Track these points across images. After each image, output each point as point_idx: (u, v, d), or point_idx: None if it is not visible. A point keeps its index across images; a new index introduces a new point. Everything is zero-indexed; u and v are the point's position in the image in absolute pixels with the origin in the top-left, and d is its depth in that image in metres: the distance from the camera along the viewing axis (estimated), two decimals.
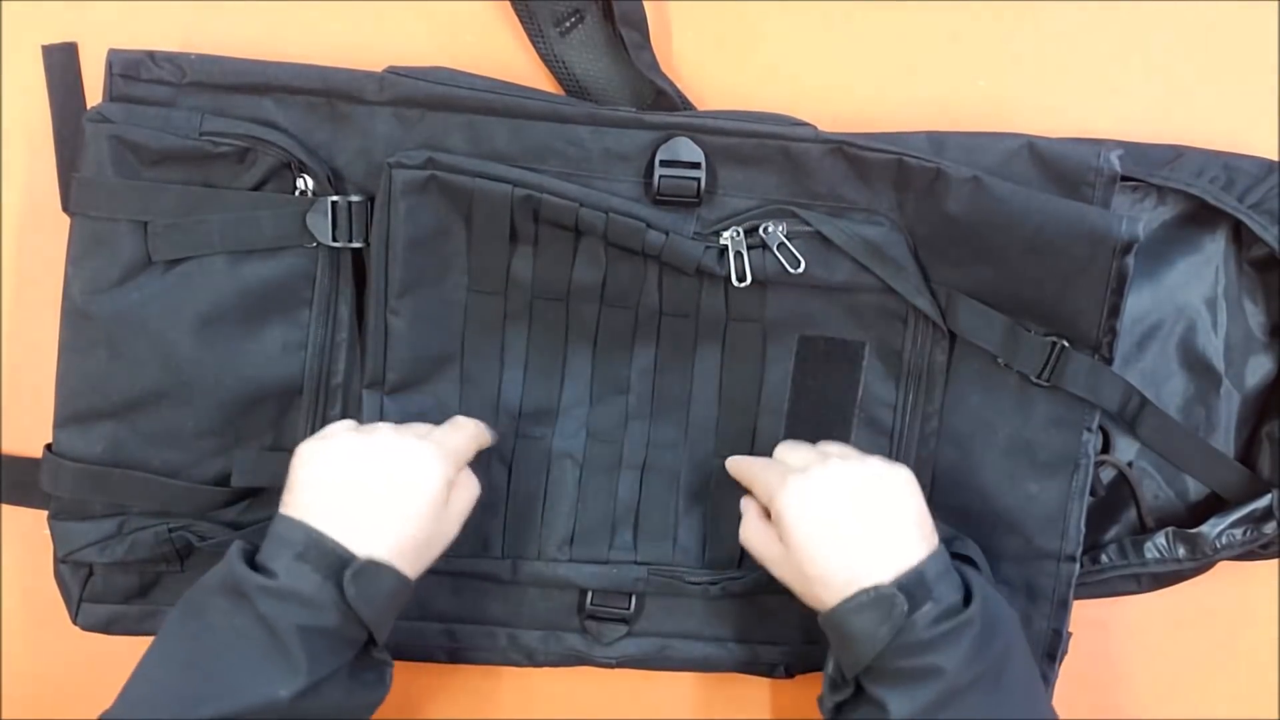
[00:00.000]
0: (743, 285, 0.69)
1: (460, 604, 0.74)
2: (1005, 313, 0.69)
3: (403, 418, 0.70)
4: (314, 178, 0.68)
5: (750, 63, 0.74)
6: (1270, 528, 0.72)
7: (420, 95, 0.68)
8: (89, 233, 0.67)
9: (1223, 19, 0.74)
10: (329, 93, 0.68)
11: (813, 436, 0.72)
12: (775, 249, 0.69)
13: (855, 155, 0.68)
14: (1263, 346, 0.75)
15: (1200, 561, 0.74)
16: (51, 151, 0.72)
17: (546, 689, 0.78)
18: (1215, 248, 0.74)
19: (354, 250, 0.70)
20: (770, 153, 0.68)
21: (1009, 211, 0.66)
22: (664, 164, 0.68)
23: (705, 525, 0.73)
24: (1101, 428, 0.71)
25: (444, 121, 0.68)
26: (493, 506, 0.73)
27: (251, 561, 0.60)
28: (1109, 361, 0.69)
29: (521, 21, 0.72)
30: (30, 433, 0.74)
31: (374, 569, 0.59)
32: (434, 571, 0.72)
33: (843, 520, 0.62)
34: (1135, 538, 0.75)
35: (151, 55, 0.68)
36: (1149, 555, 0.74)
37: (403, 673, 0.76)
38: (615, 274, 0.70)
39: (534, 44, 0.72)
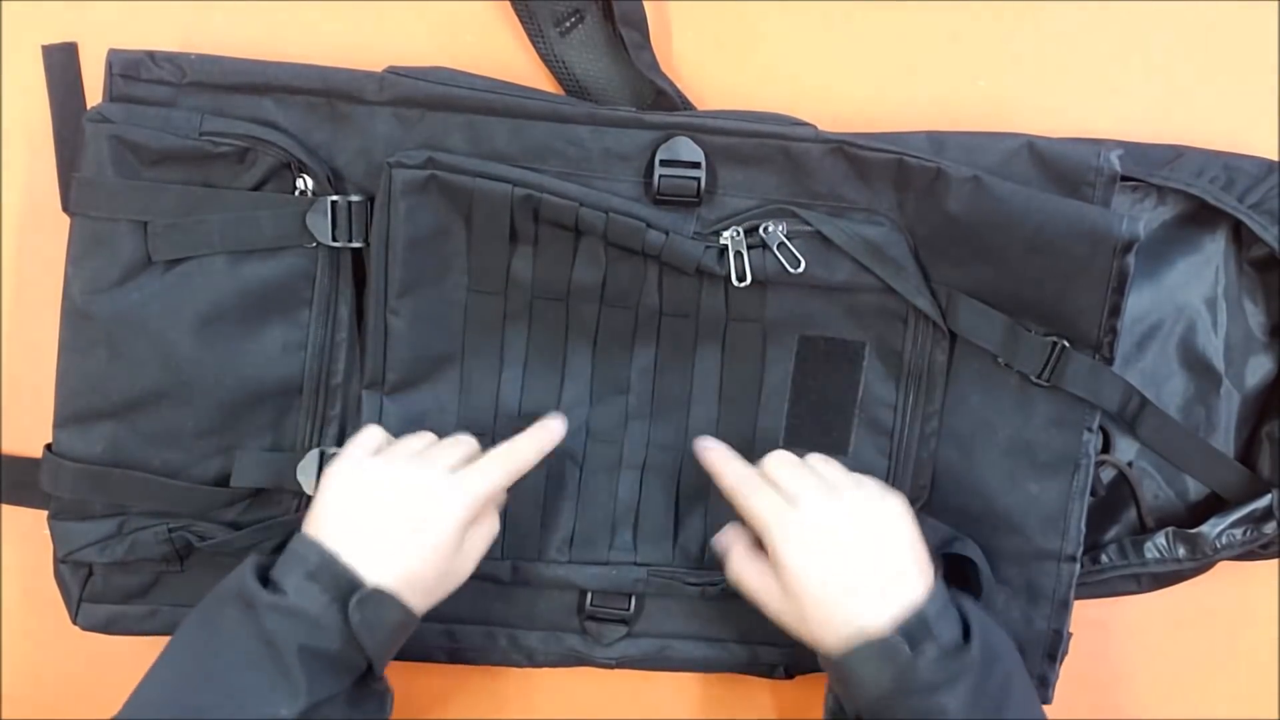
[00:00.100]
0: (743, 285, 0.69)
1: (460, 604, 0.73)
2: (1006, 312, 0.69)
3: (403, 418, 0.70)
4: (314, 178, 0.68)
5: (750, 63, 0.74)
6: (1270, 528, 0.72)
7: (420, 95, 0.68)
8: (89, 233, 0.67)
9: (1223, 19, 0.74)
10: (329, 93, 0.68)
11: (813, 436, 0.72)
12: (775, 249, 0.69)
13: (855, 155, 0.68)
14: (1263, 346, 0.75)
15: (1200, 561, 0.74)
16: (51, 151, 0.72)
17: (546, 689, 0.78)
18: (1215, 248, 0.74)
19: (354, 250, 0.70)
20: (770, 153, 0.68)
21: (1009, 211, 0.66)
22: (664, 164, 0.68)
23: (705, 526, 0.73)
24: (1102, 428, 0.71)
25: (444, 121, 0.68)
26: None
27: (266, 575, 0.60)
28: (1109, 361, 0.69)
29: (521, 21, 0.72)
30: (30, 433, 0.74)
31: (380, 598, 0.59)
32: None
33: (846, 563, 0.62)
34: (1135, 538, 0.75)
35: (151, 55, 0.68)
36: (1149, 555, 0.74)
37: (403, 673, 0.76)
38: (615, 274, 0.70)
39: (534, 44, 0.72)
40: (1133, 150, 0.71)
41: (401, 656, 0.74)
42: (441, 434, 0.71)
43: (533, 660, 0.75)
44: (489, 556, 0.72)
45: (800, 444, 0.72)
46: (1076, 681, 0.76)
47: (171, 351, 0.68)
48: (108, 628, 0.73)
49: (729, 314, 0.71)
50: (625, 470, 0.73)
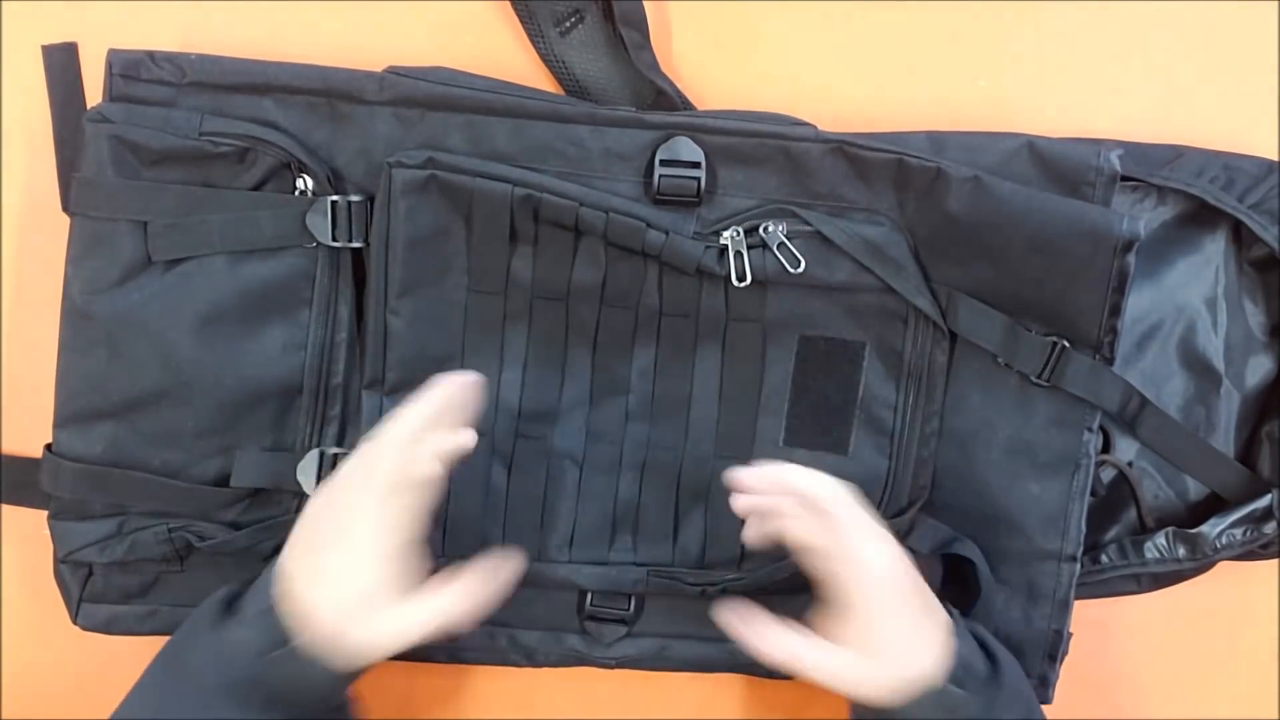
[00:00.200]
0: (743, 285, 0.69)
1: None
2: (1006, 312, 0.69)
3: None
4: (314, 178, 0.68)
5: (750, 63, 0.74)
6: (1270, 528, 0.72)
7: (420, 95, 0.68)
8: (89, 233, 0.67)
9: (1223, 19, 0.74)
10: (329, 93, 0.68)
11: (813, 436, 0.72)
12: (775, 249, 0.69)
13: (855, 155, 0.68)
14: (1263, 346, 0.75)
15: (1200, 561, 0.74)
16: (51, 151, 0.72)
17: (546, 689, 0.78)
18: (1215, 248, 0.74)
19: (354, 250, 0.70)
20: (770, 152, 0.68)
21: (1010, 211, 0.66)
22: (664, 164, 0.68)
23: (705, 526, 0.73)
24: (1102, 428, 0.71)
25: (444, 121, 0.68)
26: (492, 507, 0.73)
27: (238, 598, 0.61)
28: (1110, 361, 0.69)
29: (521, 21, 0.72)
30: (30, 433, 0.74)
31: (302, 654, 0.58)
32: (433, 572, 0.72)
33: (910, 609, 0.62)
34: (1135, 538, 0.75)
35: (151, 55, 0.68)
36: (1149, 555, 0.74)
37: (403, 673, 0.76)
38: (615, 274, 0.70)
39: (534, 44, 0.72)
40: (1133, 150, 0.71)
41: (401, 656, 0.74)
42: None
43: (533, 660, 0.75)
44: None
45: (800, 444, 0.72)
46: (1076, 681, 0.76)
47: (171, 351, 0.68)
48: (108, 628, 0.73)
49: (729, 314, 0.71)
50: (625, 470, 0.73)
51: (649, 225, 0.68)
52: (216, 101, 0.68)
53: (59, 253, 0.68)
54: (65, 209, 0.70)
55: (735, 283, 0.69)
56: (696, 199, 0.69)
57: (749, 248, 0.69)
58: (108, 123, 0.66)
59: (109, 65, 0.68)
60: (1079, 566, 0.71)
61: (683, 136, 0.68)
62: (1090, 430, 0.70)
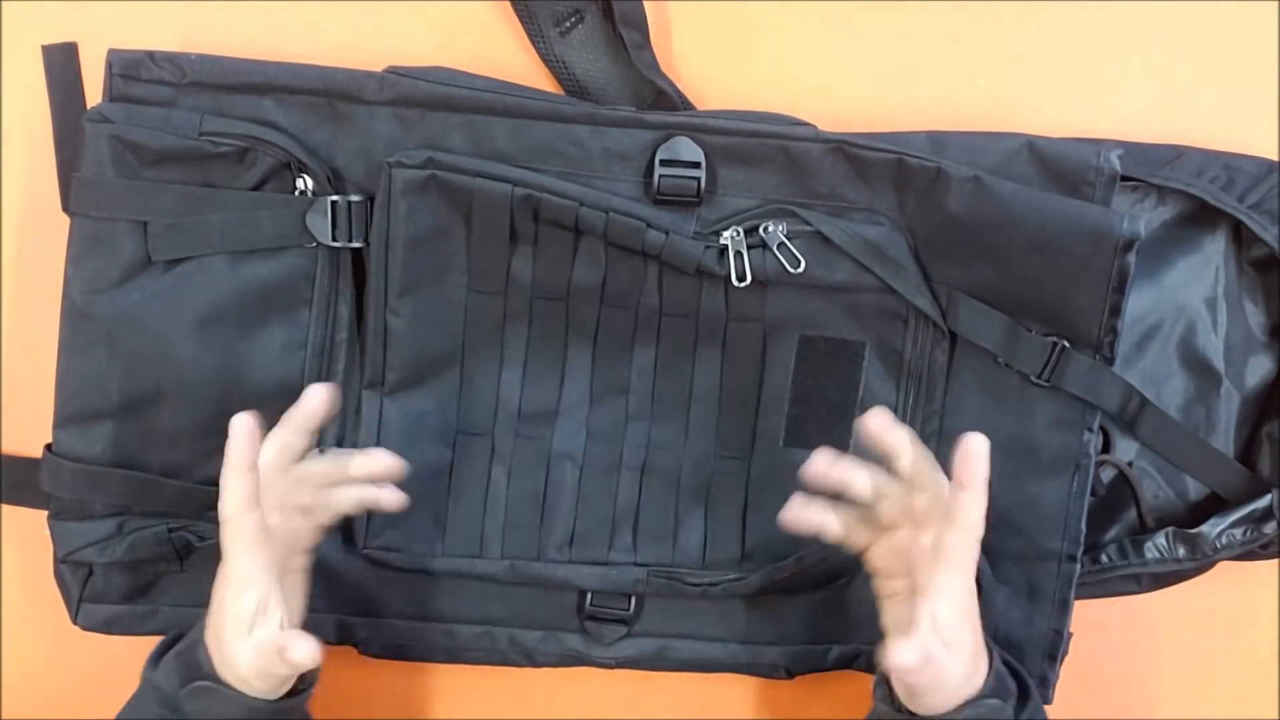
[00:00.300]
0: (743, 285, 0.69)
1: (459, 604, 0.74)
2: (1006, 312, 0.69)
3: (403, 418, 0.71)
4: (314, 178, 0.68)
5: (750, 63, 0.74)
6: (1270, 528, 0.72)
7: (420, 95, 0.68)
8: (89, 233, 0.67)
9: (1223, 19, 0.74)
10: (329, 93, 0.68)
11: (813, 436, 0.72)
12: (775, 249, 0.69)
13: (855, 155, 0.68)
14: (1263, 346, 0.75)
15: (1200, 561, 0.74)
16: (51, 151, 0.72)
17: (546, 689, 0.78)
18: (1215, 248, 0.74)
19: (354, 250, 0.70)
20: (770, 152, 0.68)
21: (1010, 210, 0.66)
22: (664, 164, 0.68)
23: (705, 526, 0.73)
24: (1102, 428, 0.71)
25: (444, 121, 0.68)
26: (492, 507, 0.73)
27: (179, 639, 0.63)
28: (1110, 361, 0.69)
29: (521, 21, 0.72)
30: (30, 433, 0.74)
31: (211, 692, 0.59)
32: (433, 572, 0.72)
33: (976, 614, 0.61)
34: (1135, 538, 0.75)
35: (151, 55, 0.68)
36: (1149, 555, 0.74)
37: (403, 673, 0.76)
38: (615, 274, 0.70)
39: (534, 44, 0.72)
40: (1133, 150, 0.71)
41: (401, 656, 0.74)
42: (440, 436, 0.71)
43: (532, 660, 0.75)
44: (488, 557, 0.73)
45: (800, 444, 0.72)
46: (1076, 681, 0.76)
47: (171, 352, 0.68)
48: (108, 628, 0.73)
49: (729, 314, 0.71)
50: (625, 470, 0.73)
51: (649, 225, 0.68)
52: (216, 101, 0.68)
53: (59, 253, 0.68)
54: (65, 209, 0.70)
55: (735, 283, 0.69)
56: (696, 199, 0.69)
57: (749, 248, 0.69)
58: (108, 123, 0.66)
59: (109, 65, 0.68)
60: (1079, 566, 0.71)
61: (683, 136, 0.68)
62: (1090, 430, 0.70)
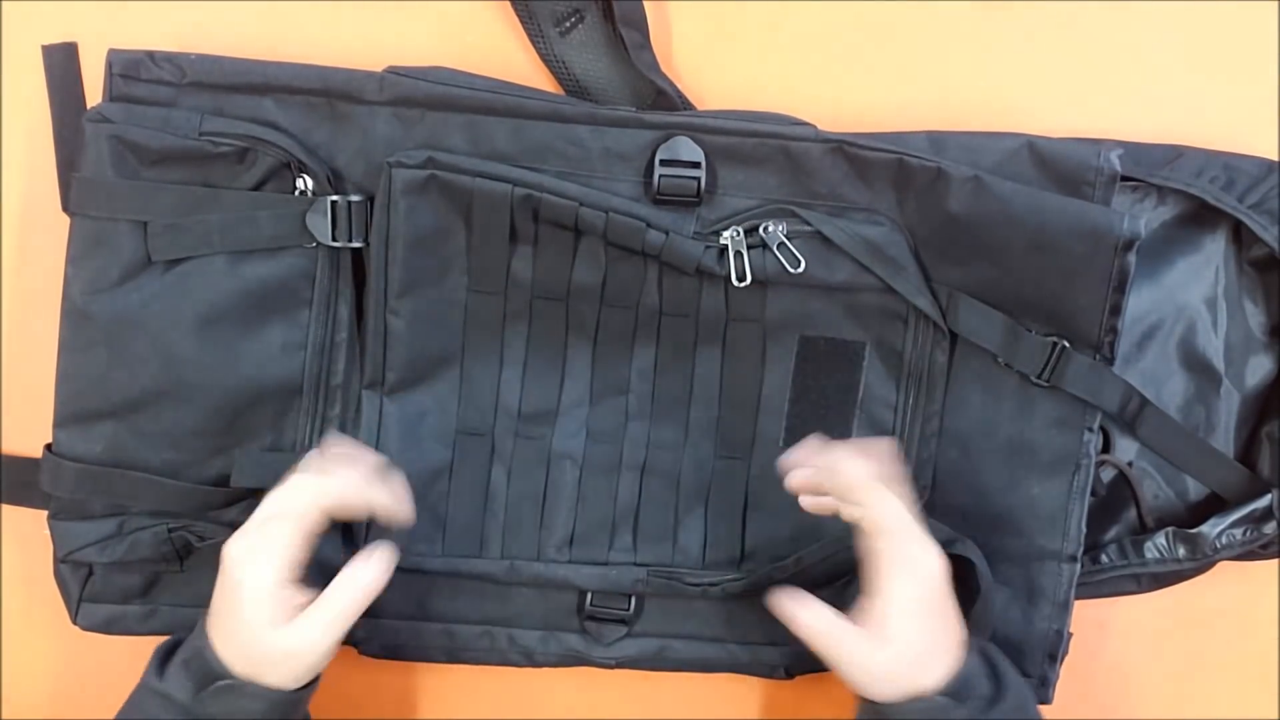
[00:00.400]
0: (743, 285, 0.69)
1: (459, 604, 0.74)
2: (1006, 312, 0.69)
3: (403, 418, 0.71)
4: (314, 178, 0.68)
5: (750, 63, 0.74)
6: (1270, 528, 0.72)
7: (420, 95, 0.68)
8: (89, 233, 0.67)
9: (1223, 19, 0.74)
10: (329, 93, 0.68)
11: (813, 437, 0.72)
12: (775, 249, 0.69)
13: (855, 155, 0.68)
14: (1263, 346, 0.75)
15: (1200, 561, 0.74)
16: (51, 151, 0.72)
17: (546, 689, 0.78)
18: (1215, 248, 0.74)
19: (354, 250, 0.70)
20: (770, 152, 0.68)
21: (1010, 210, 0.66)
22: (664, 163, 0.68)
23: (705, 526, 0.73)
24: (1102, 428, 0.71)
25: (444, 121, 0.68)
26: (492, 507, 0.73)
27: (177, 648, 0.63)
28: (1110, 361, 0.69)
29: (521, 21, 0.72)
30: (30, 433, 0.74)
31: (232, 690, 0.60)
32: (433, 572, 0.72)
33: (936, 627, 0.62)
34: (1135, 538, 0.75)
35: (151, 55, 0.68)
36: (1149, 555, 0.74)
37: (402, 673, 0.76)
38: (615, 274, 0.70)
39: (534, 44, 0.72)
40: (1133, 150, 0.71)
41: (401, 656, 0.74)
42: (440, 436, 0.71)
43: (532, 660, 0.75)
44: (488, 557, 0.73)
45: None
46: (1076, 681, 0.76)
47: (171, 351, 0.68)
48: (108, 628, 0.73)
49: (729, 314, 0.71)
50: (625, 470, 0.73)
51: (649, 225, 0.68)
52: (216, 101, 0.68)
53: (59, 253, 0.68)
54: (65, 209, 0.70)
55: (735, 283, 0.69)
56: (696, 199, 0.69)
57: (749, 248, 0.69)
58: (108, 123, 0.66)
59: (109, 65, 0.68)
60: (1079, 566, 0.71)
61: (683, 136, 0.68)
62: (1090, 430, 0.70)
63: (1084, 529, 0.71)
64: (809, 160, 0.68)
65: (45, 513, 0.71)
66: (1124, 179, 0.68)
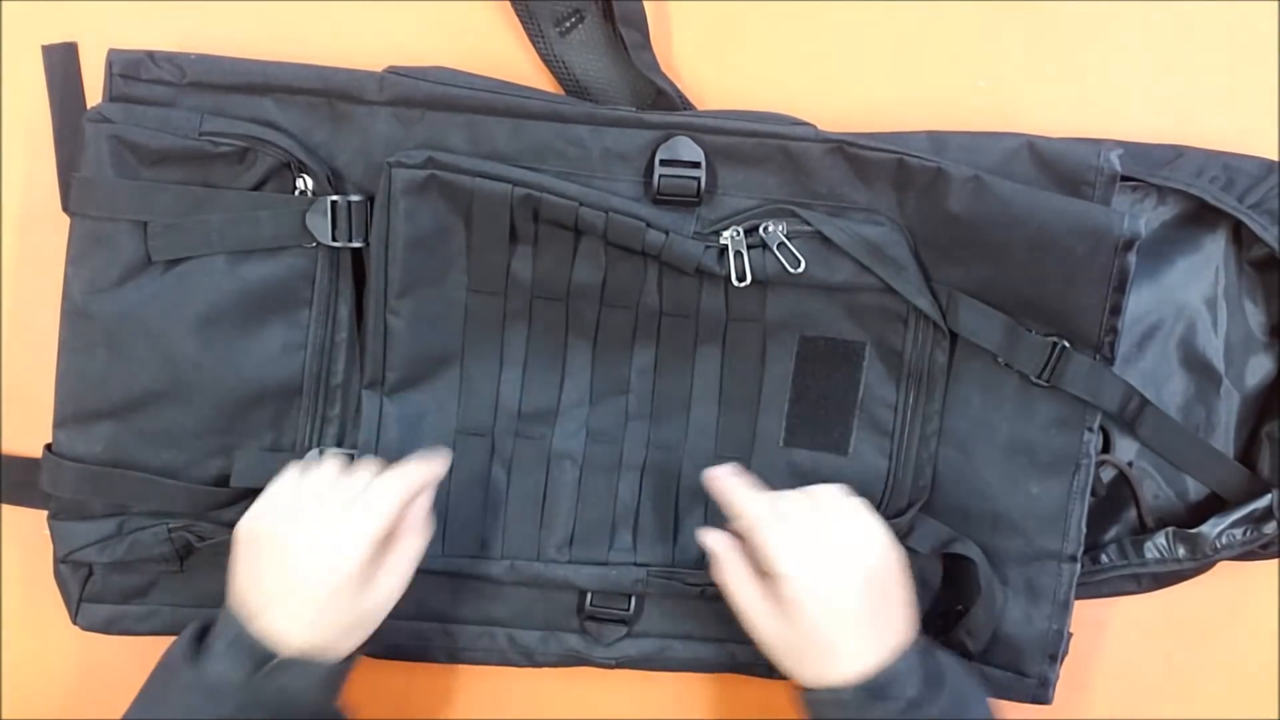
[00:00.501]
0: (743, 285, 0.69)
1: (459, 604, 0.74)
2: (1006, 312, 0.69)
3: (402, 418, 0.71)
4: (314, 178, 0.68)
5: (750, 63, 0.74)
6: (1270, 528, 0.72)
7: (420, 95, 0.68)
8: (89, 233, 0.67)
9: (1223, 19, 0.74)
10: (329, 93, 0.68)
11: (813, 436, 0.72)
12: (775, 249, 0.69)
13: (855, 155, 0.68)
14: (1263, 346, 0.75)
15: (1200, 561, 0.74)
16: (51, 151, 0.72)
17: (546, 689, 0.78)
18: (1215, 248, 0.74)
19: (354, 250, 0.70)
20: (770, 152, 0.68)
21: (1011, 210, 0.66)
22: (664, 163, 0.68)
23: (705, 526, 0.73)
24: (1102, 428, 0.71)
25: (444, 121, 0.68)
26: (492, 507, 0.73)
27: (205, 634, 0.62)
28: (1110, 361, 0.69)
29: (521, 21, 0.72)
30: (30, 433, 0.74)
31: (291, 664, 0.60)
32: (433, 572, 0.72)
33: (847, 615, 0.63)
34: (1135, 538, 0.75)
35: (151, 55, 0.68)
36: (1149, 555, 0.74)
37: (403, 673, 0.76)
38: (615, 274, 0.70)
39: (534, 44, 0.72)
40: (1133, 150, 0.71)
41: (401, 656, 0.74)
42: (440, 436, 0.71)
43: (532, 660, 0.75)
44: (488, 557, 0.73)
45: (800, 444, 0.72)
46: (1076, 681, 0.76)
47: (171, 351, 0.68)
48: (108, 628, 0.73)
49: (729, 314, 0.71)
50: (625, 470, 0.73)
51: (649, 225, 0.68)
52: (216, 101, 0.68)
53: (59, 253, 0.68)
54: (65, 209, 0.70)
55: (735, 283, 0.69)
56: (696, 199, 0.69)
57: (749, 248, 0.69)
58: (108, 123, 0.66)
59: (109, 65, 0.68)
60: (1079, 566, 0.71)
61: (683, 136, 0.68)
62: (1090, 430, 0.70)
63: (1084, 529, 0.71)
64: (809, 160, 0.68)
65: (45, 513, 0.71)
66: (1124, 179, 0.68)
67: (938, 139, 0.69)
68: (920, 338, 0.70)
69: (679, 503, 0.74)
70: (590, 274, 0.70)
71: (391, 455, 0.68)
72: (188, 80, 0.68)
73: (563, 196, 0.67)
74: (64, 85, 0.72)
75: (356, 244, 0.69)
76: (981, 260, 0.68)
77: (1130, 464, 0.75)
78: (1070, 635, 0.72)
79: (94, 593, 0.72)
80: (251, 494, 0.71)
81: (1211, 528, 0.73)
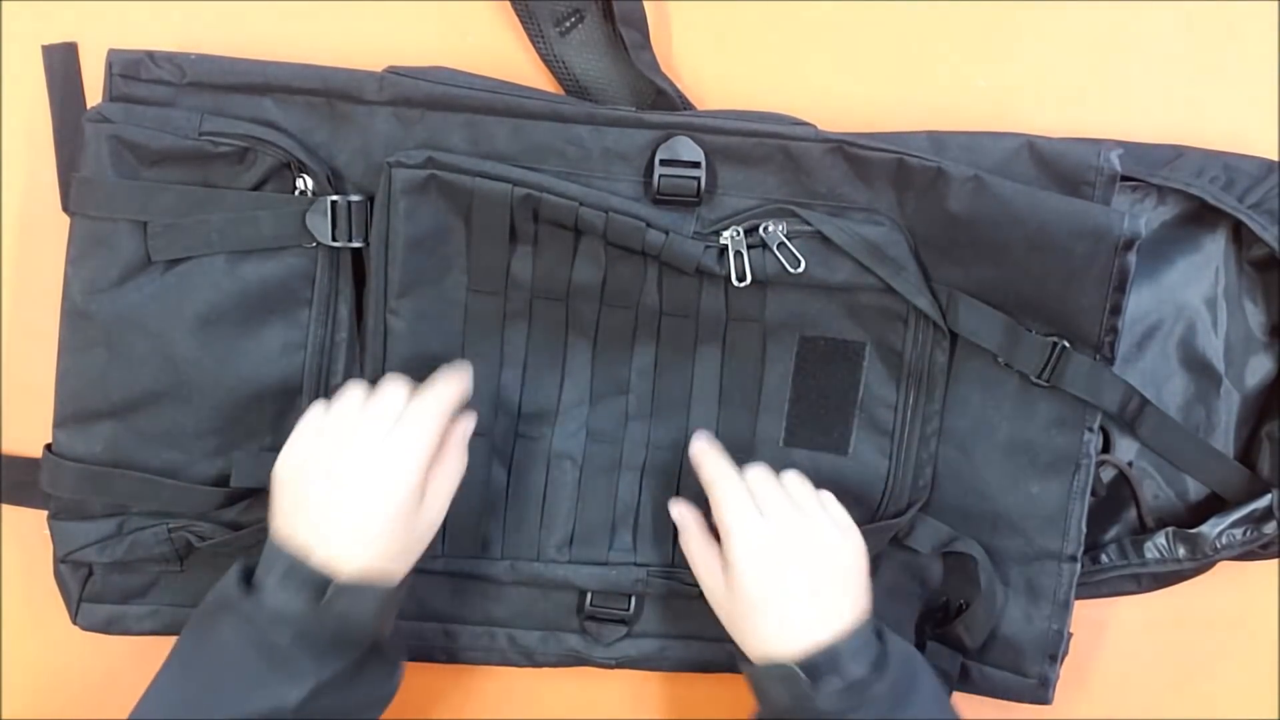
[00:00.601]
0: (743, 285, 0.69)
1: (459, 604, 0.74)
2: (1007, 312, 0.69)
3: None
4: (314, 178, 0.68)
5: (750, 63, 0.74)
6: (1270, 528, 0.72)
7: (420, 95, 0.68)
8: (89, 233, 0.67)
9: (1223, 19, 0.74)
10: (329, 93, 0.68)
11: (813, 436, 0.72)
12: (775, 249, 0.69)
13: (855, 154, 0.68)
14: (1263, 346, 0.75)
15: (1200, 561, 0.74)
16: (51, 151, 0.72)
17: (546, 689, 0.78)
18: (1215, 248, 0.74)
19: (354, 250, 0.70)
20: (770, 152, 0.68)
21: (1010, 210, 0.66)
22: (664, 163, 0.68)
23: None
24: (1102, 428, 0.71)
25: (444, 121, 0.68)
26: (492, 507, 0.73)
27: (251, 575, 0.61)
28: (1110, 361, 0.69)
29: (521, 21, 0.72)
30: (30, 433, 0.74)
31: (352, 590, 0.60)
32: (433, 572, 0.72)
33: (789, 584, 0.64)
34: (1135, 538, 0.75)
35: (151, 55, 0.68)
36: (1149, 555, 0.74)
37: None
38: (615, 274, 0.70)
39: (534, 44, 0.72)
40: (1133, 150, 0.71)
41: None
42: None
43: (532, 660, 0.75)
44: (488, 557, 0.73)
45: (800, 444, 0.72)
46: (1076, 681, 0.76)
47: (171, 352, 0.68)
48: (108, 628, 0.73)
49: (729, 314, 0.71)
50: (625, 470, 0.73)
51: (649, 225, 0.68)
52: (216, 101, 0.68)
53: (59, 253, 0.68)
54: (65, 209, 0.70)
55: (735, 283, 0.69)
56: (696, 199, 0.69)
57: (749, 248, 0.69)
58: (107, 123, 0.66)
59: (109, 65, 0.68)
60: (1079, 566, 0.71)
61: (683, 136, 0.68)
62: (1090, 430, 0.70)
63: (1084, 529, 0.71)
64: (809, 160, 0.68)
65: (45, 513, 0.71)
66: (1124, 179, 0.68)
67: (938, 139, 0.69)
68: (920, 338, 0.70)
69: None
70: (590, 274, 0.70)
71: None
72: (188, 80, 0.68)
73: (563, 196, 0.67)
74: (64, 85, 0.72)
75: (356, 244, 0.69)
76: (981, 260, 0.68)
77: (1130, 464, 0.75)
78: (1070, 635, 0.72)
79: (94, 593, 0.72)
80: (251, 494, 0.71)
81: (1211, 528, 0.73)
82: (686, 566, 0.73)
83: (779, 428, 0.73)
